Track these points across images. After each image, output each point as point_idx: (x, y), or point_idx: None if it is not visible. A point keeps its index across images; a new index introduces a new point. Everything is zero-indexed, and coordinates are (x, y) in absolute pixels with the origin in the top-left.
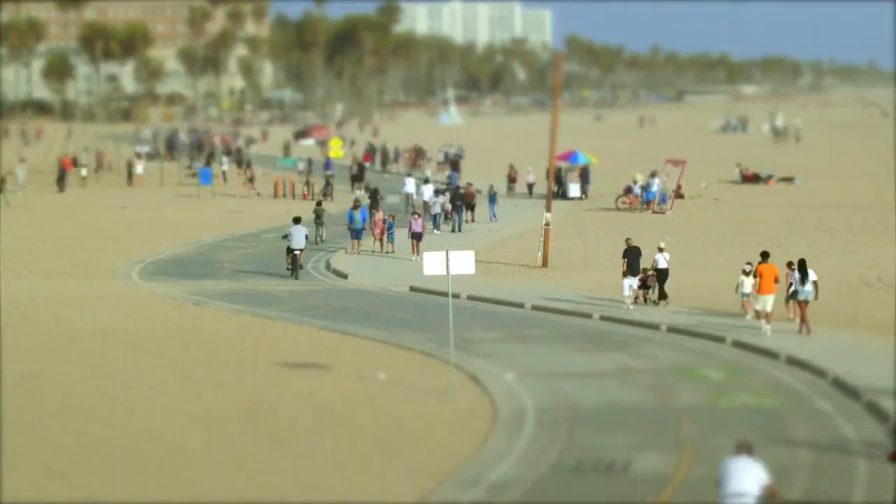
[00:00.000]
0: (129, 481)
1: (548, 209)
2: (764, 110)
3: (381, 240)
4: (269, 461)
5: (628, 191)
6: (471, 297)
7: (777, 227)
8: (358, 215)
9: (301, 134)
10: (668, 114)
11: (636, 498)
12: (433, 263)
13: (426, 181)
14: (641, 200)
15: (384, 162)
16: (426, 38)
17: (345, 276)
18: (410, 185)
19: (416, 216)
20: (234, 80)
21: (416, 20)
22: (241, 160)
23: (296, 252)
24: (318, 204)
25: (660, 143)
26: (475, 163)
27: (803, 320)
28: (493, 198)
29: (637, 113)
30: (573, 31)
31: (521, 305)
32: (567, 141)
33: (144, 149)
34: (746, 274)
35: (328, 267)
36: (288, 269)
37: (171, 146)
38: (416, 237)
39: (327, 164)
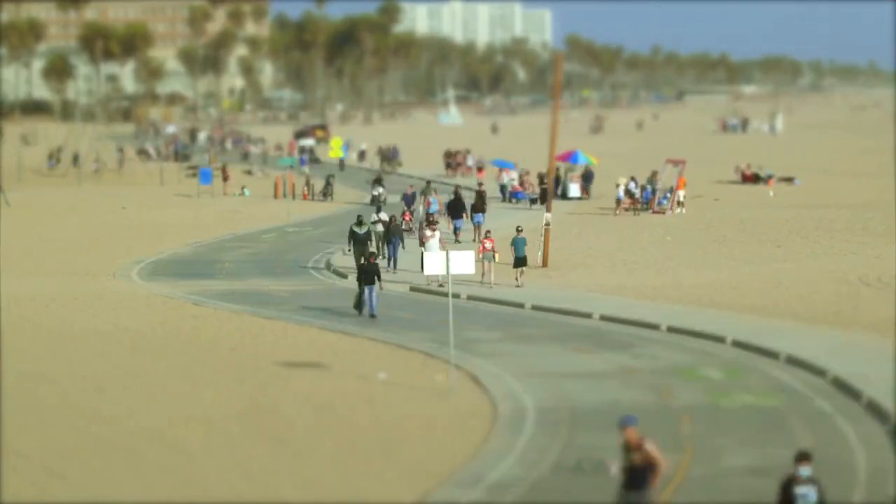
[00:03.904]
0: (129, 481)
1: (548, 209)
2: (763, 110)
3: None
4: (269, 461)
5: (628, 192)
6: (471, 297)
7: (777, 227)
8: None
9: (301, 134)
10: (668, 113)
11: None
12: (433, 263)
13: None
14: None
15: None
16: (426, 38)
17: (345, 276)
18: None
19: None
20: (234, 80)
21: (416, 20)
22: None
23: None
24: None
25: (660, 143)
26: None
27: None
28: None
29: (637, 113)
30: (573, 31)
31: (521, 305)
32: (567, 141)
33: (150, 147)
34: None
35: (328, 267)
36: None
37: (177, 148)
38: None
39: (302, 161)
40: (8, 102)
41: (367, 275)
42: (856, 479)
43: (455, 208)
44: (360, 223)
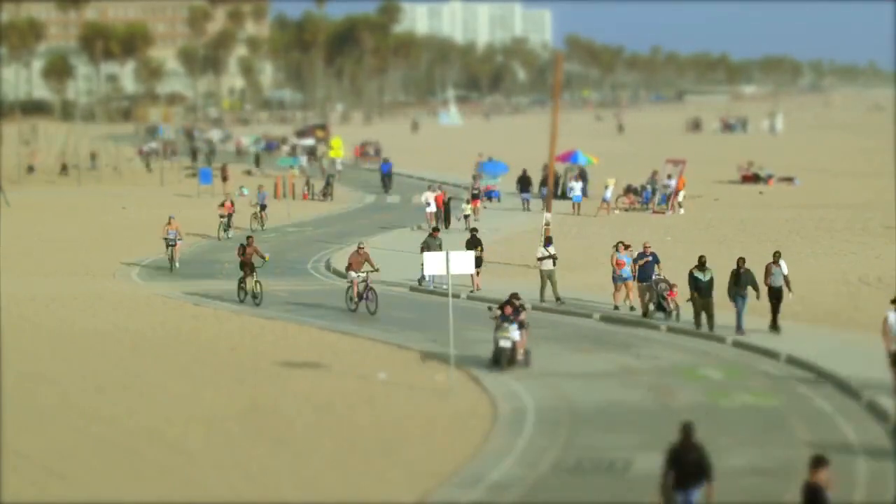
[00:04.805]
0: (129, 481)
1: (548, 209)
2: (763, 110)
3: None
4: (269, 461)
5: (628, 190)
6: (471, 297)
7: (777, 227)
8: None
9: (301, 133)
10: (669, 114)
11: (636, 498)
12: (433, 263)
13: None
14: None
15: None
16: (426, 38)
17: (345, 276)
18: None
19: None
20: (234, 80)
21: (416, 20)
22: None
23: None
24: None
25: (660, 143)
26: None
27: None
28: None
29: (638, 113)
30: (573, 31)
31: None
32: (567, 141)
33: (153, 145)
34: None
35: (328, 267)
36: None
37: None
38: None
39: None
40: (8, 102)
41: (685, 470)
42: (856, 479)
43: (524, 182)
44: (702, 266)
